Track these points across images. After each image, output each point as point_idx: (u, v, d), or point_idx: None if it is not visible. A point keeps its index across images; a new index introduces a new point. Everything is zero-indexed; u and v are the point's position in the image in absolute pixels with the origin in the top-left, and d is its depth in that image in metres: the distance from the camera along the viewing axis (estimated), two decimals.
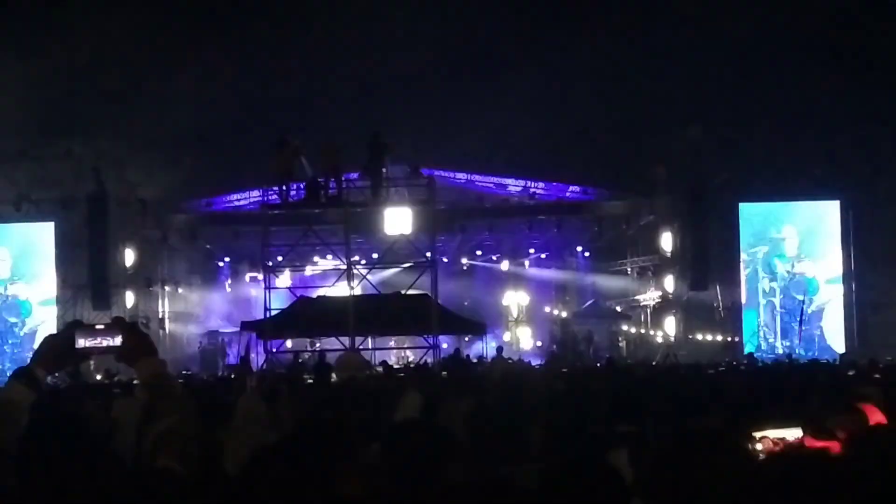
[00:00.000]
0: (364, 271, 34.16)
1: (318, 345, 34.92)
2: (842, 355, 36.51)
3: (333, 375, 23.54)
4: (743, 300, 40.58)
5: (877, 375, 18.97)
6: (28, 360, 4.19)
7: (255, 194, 38.50)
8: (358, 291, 32.74)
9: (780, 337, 40.06)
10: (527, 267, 49.87)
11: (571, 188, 44.28)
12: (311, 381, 22.84)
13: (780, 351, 38.69)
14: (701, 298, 40.58)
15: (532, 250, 49.03)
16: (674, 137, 39.49)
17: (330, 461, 4.18)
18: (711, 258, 39.99)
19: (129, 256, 40.92)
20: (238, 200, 43.95)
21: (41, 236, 40.51)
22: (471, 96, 39.39)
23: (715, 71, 38.55)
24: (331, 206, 32.39)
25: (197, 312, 46.33)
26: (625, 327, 46.64)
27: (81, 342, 4.08)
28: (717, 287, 40.65)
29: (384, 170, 32.37)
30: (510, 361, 32.79)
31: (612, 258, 47.45)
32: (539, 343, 48.76)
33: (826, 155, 39.46)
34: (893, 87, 37.18)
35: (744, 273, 40.64)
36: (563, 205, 44.34)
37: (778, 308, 40.31)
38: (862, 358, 30.45)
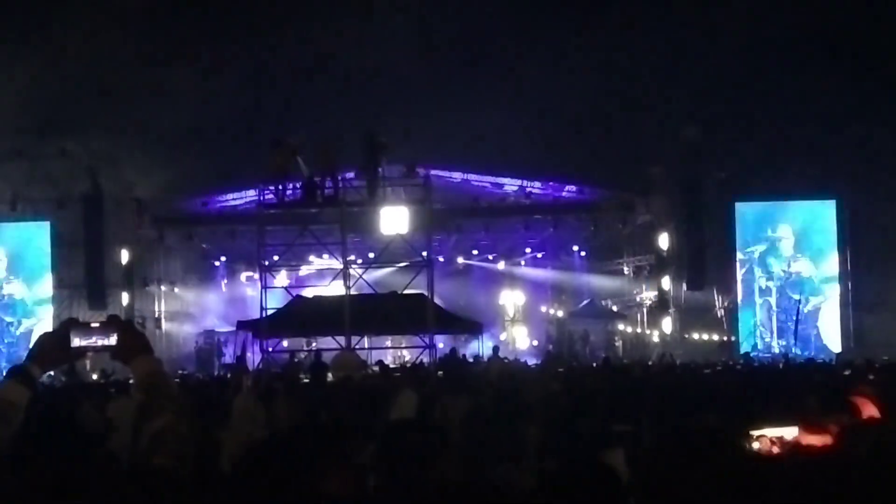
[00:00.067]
0: (360, 271, 34.14)
1: (314, 344, 34.87)
2: (838, 355, 36.53)
3: (329, 375, 23.56)
4: (739, 300, 40.59)
5: (871, 377, 18.96)
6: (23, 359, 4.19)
7: (252, 194, 38.43)
8: (354, 291, 32.71)
9: (777, 336, 40.07)
10: (523, 266, 49.87)
11: (568, 188, 44.28)
12: (307, 380, 22.82)
13: (777, 350, 38.71)
14: (697, 298, 40.61)
15: (528, 250, 49.02)
16: (670, 137, 39.50)
17: (320, 459, 4.17)
18: (708, 257, 40.03)
19: (125, 256, 40.89)
20: (234, 200, 43.93)
21: (37, 235, 40.50)
22: (467, 96, 39.37)
23: (712, 70, 38.55)
24: (327, 205, 32.35)
25: (193, 312, 46.34)
26: (621, 327, 46.66)
27: (76, 340, 4.06)
28: (715, 290, 40.68)
29: (380, 169, 32.32)
30: (506, 361, 32.77)
31: (609, 258, 47.46)
32: (535, 342, 48.79)
33: (822, 154, 39.45)
34: (890, 87, 37.19)
35: (740, 272, 40.66)
36: (559, 204, 44.35)
37: (774, 307, 40.34)
38: (858, 358, 30.48)
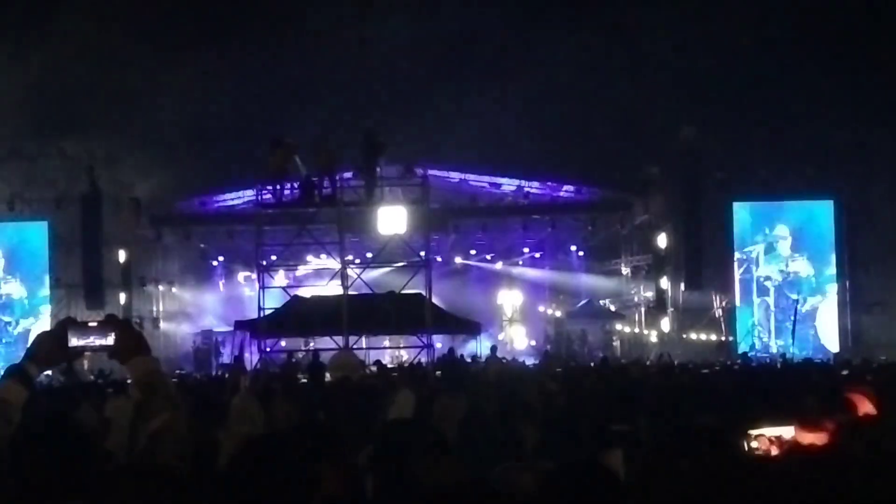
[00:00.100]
0: (358, 271, 34.14)
1: (312, 344, 34.87)
2: (835, 355, 36.55)
3: (328, 375, 23.58)
4: (737, 300, 40.59)
5: (869, 377, 18.97)
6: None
7: (249, 193, 38.43)
8: (352, 291, 32.70)
9: (774, 336, 40.07)
10: (521, 266, 49.88)
11: (566, 188, 44.29)
12: (305, 380, 22.84)
13: (775, 350, 38.70)
14: (695, 298, 40.62)
15: (526, 250, 49.03)
16: (668, 137, 39.50)
17: (316, 459, 4.17)
18: (705, 257, 40.01)
19: (123, 256, 40.85)
20: (232, 200, 43.93)
21: (34, 235, 40.45)
22: (465, 96, 39.37)
23: (710, 70, 38.54)
24: (325, 205, 32.36)
25: (191, 312, 46.34)
26: (619, 327, 46.66)
27: (74, 340, 4.06)
28: (713, 290, 40.68)
29: (378, 169, 32.34)
30: (504, 361, 32.78)
31: (606, 258, 47.50)
32: (533, 342, 48.80)
33: (820, 154, 39.47)
34: (888, 88, 37.19)
35: (738, 272, 40.64)
36: (557, 204, 44.39)
37: (772, 307, 40.33)
38: (855, 357, 30.52)
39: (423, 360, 31.22)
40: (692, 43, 37.44)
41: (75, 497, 3.59)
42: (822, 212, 40.59)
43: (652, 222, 42.25)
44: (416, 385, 16.47)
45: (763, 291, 40.47)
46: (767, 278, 40.47)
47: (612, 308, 47.11)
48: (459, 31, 40.58)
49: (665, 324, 41.95)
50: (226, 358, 38.95)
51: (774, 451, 6.71)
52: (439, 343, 35.79)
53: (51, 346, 4.10)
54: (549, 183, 44.20)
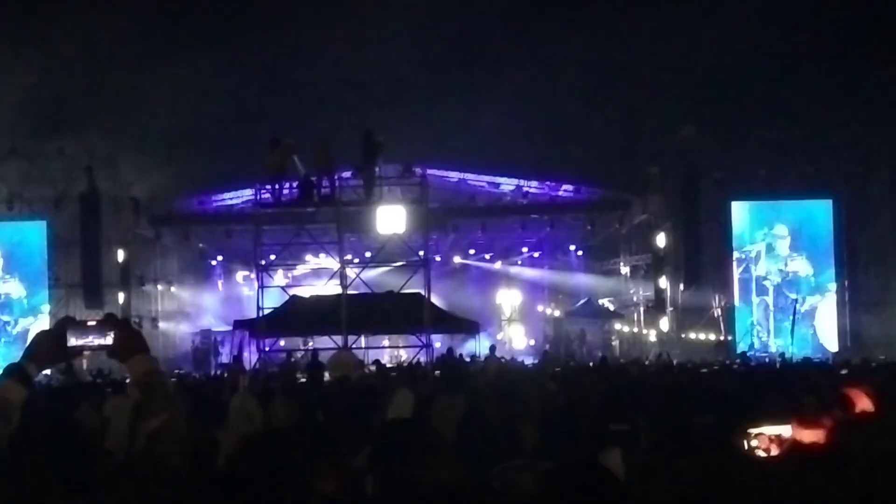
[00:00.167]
0: (357, 270, 34.12)
1: (310, 344, 34.86)
2: (834, 354, 36.59)
3: (326, 374, 23.58)
4: (736, 299, 40.60)
5: (867, 376, 18.96)
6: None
7: (248, 193, 38.44)
8: (351, 290, 32.69)
9: (773, 336, 40.08)
10: (520, 266, 49.89)
11: (564, 187, 44.27)
12: (304, 380, 22.83)
13: (774, 350, 38.71)
14: (694, 297, 40.61)
15: (525, 249, 49.05)
16: (667, 136, 39.52)
17: (313, 458, 4.17)
18: (704, 257, 40.03)
19: (122, 255, 40.83)
20: (231, 199, 43.91)
21: (33, 235, 40.45)
22: (464, 95, 39.33)
23: (708, 70, 38.55)
24: (324, 204, 32.35)
25: (189, 311, 46.35)
26: (618, 326, 46.68)
27: (73, 339, 4.05)
28: (712, 290, 40.67)
29: (377, 168, 32.33)
30: (503, 361, 32.81)
31: (605, 257, 47.53)
32: (532, 342, 48.83)
33: (818, 154, 39.51)
34: (886, 87, 37.19)
35: (737, 272, 40.66)
36: (556, 204, 44.38)
37: (771, 307, 40.35)
38: (854, 357, 30.54)
39: (422, 359, 31.22)
40: (691, 43, 37.43)
41: (75, 496, 3.59)
42: (821, 211, 40.59)
43: (651, 222, 42.26)
44: (414, 385, 16.48)
45: (762, 291, 40.48)
46: (766, 278, 40.49)
47: (611, 307, 47.12)
48: (458, 31, 40.61)
49: (664, 323, 41.95)
50: (225, 357, 38.97)
51: (774, 450, 6.72)
52: (438, 343, 35.77)
53: (50, 346, 4.09)
54: (548, 182, 44.19)
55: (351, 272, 33.12)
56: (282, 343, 34.29)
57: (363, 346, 33.44)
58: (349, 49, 39.87)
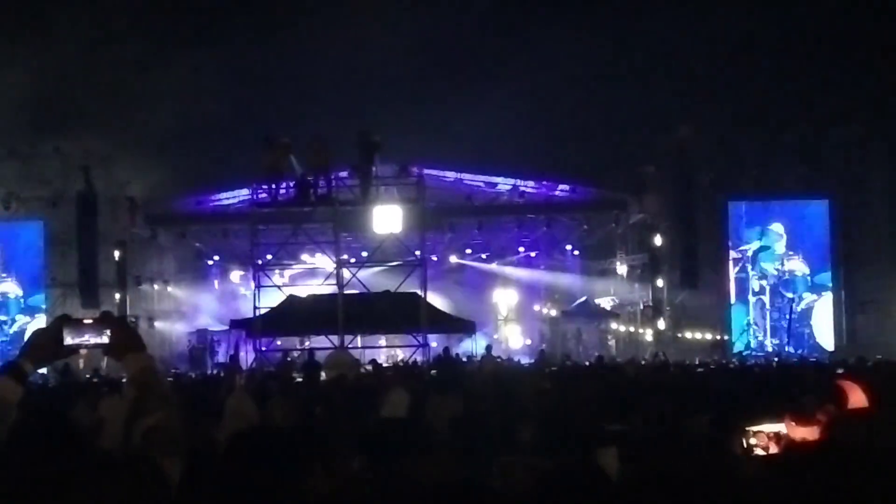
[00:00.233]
0: (353, 270, 34.10)
1: (307, 343, 34.85)
2: (831, 353, 36.59)
3: (323, 374, 23.55)
4: (732, 298, 40.62)
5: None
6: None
7: (245, 193, 38.42)
8: (347, 290, 32.67)
9: (770, 335, 40.11)
10: (516, 265, 49.88)
11: (561, 187, 44.24)
12: (300, 379, 22.81)
13: (770, 349, 38.76)
14: (690, 297, 40.62)
15: (521, 249, 49.03)
16: (663, 136, 39.53)
17: (306, 458, 4.18)
18: (700, 256, 40.02)
19: (118, 255, 40.82)
20: (227, 199, 43.86)
21: (30, 234, 40.47)
22: (460, 95, 39.38)
23: (704, 70, 38.63)
24: (320, 204, 32.33)
25: (186, 311, 46.32)
26: (614, 326, 46.68)
27: (69, 338, 4.05)
28: (708, 289, 40.67)
29: (373, 168, 32.31)
30: (499, 360, 32.82)
31: (602, 256, 47.52)
32: (528, 342, 48.81)
33: (814, 153, 39.54)
34: (882, 87, 37.23)
35: (733, 271, 40.68)
36: (552, 203, 44.33)
37: (767, 306, 40.37)
38: (851, 356, 30.53)
39: (419, 359, 31.23)
40: (687, 43, 37.47)
41: (71, 494, 3.59)
42: (817, 211, 40.63)
43: (647, 221, 42.26)
44: (409, 384, 16.47)
45: (758, 290, 40.51)
46: (762, 277, 40.51)
47: (608, 307, 47.10)
48: (455, 30, 40.65)
49: (660, 323, 41.95)
50: (221, 357, 38.98)
51: (773, 448, 6.72)
52: (434, 342, 35.75)
53: (46, 344, 4.09)
54: (545, 182, 44.15)
55: (347, 272, 33.10)
56: (278, 343, 34.26)
57: (360, 345, 33.45)
58: (345, 49, 39.88)
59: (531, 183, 44.25)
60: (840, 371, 22.01)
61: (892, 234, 39.50)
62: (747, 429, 7.09)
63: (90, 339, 4.06)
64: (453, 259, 48.93)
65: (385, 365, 29.52)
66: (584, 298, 46.91)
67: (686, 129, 38.78)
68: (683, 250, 39.85)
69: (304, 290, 36.41)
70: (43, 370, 23.10)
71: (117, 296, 40.30)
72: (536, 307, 50.41)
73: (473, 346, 37.55)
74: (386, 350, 38.02)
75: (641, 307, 44.08)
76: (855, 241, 40.49)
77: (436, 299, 37.89)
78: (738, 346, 39.06)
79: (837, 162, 39.96)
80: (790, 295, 39.94)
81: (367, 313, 31.17)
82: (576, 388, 16.33)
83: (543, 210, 44.16)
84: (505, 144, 40.67)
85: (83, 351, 4.20)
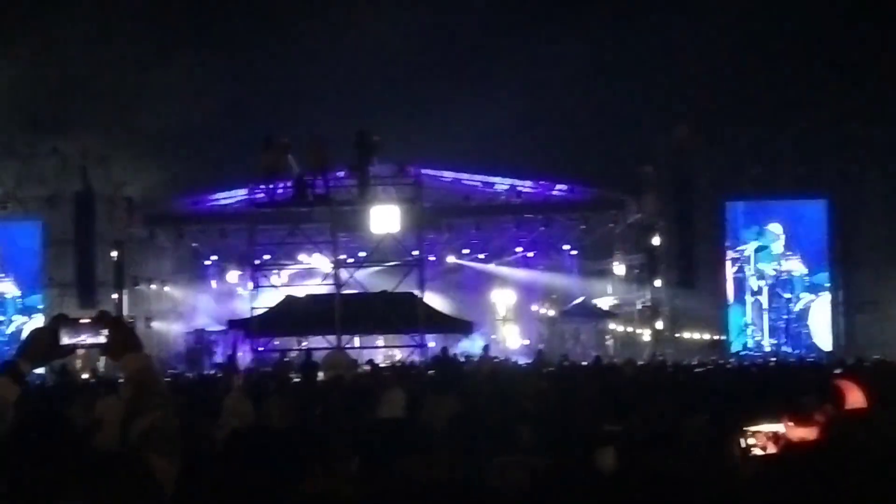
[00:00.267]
0: (351, 270, 34.08)
1: (304, 343, 34.84)
2: (828, 354, 36.60)
3: (320, 374, 23.55)
4: (730, 298, 40.61)
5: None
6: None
7: (242, 192, 38.37)
8: (345, 290, 32.67)
9: (768, 335, 40.11)
10: (514, 265, 49.86)
11: (558, 187, 44.21)
12: (297, 379, 22.80)
13: (768, 349, 38.77)
14: (688, 297, 40.61)
15: (519, 249, 48.99)
16: (661, 136, 39.54)
17: (300, 457, 4.18)
18: (698, 256, 40.03)
19: (116, 255, 40.79)
20: (225, 199, 43.82)
21: (27, 234, 40.41)
22: (458, 95, 39.41)
23: (701, 69, 38.63)
24: (318, 204, 32.32)
25: (183, 311, 46.27)
26: (612, 326, 46.67)
27: (66, 337, 4.04)
28: (706, 289, 40.67)
29: (371, 168, 32.31)
30: (497, 360, 32.81)
31: (599, 256, 47.49)
32: (526, 342, 48.78)
33: (812, 153, 39.53)
34: (880, 86, 37.24)
35: (731, 271, 40.68)
36: (550, 203, 44.29)
37: (765, 306, 40.36)
38: (849, 356, 30.55)
39: (417, 359, 31.22)
40: (685, 43, 37.49)
41: (68, 494, 3.58)
42: (815, 211, 40.61)
43: (645, 221, 42.25)
44: (407, 384, 16.48)
45: (756, 290, 40.51)
46: (760, 277, 40.51)
47: (606, 307, 47.08)
48: (453, 31, 40.66)
49: (658, 323, 41.95)
50: (219, 357, 38.93)
51: (771, 448, 6.71)
52: (432, 342, 35.75)
53: (43, 343, 4.08)
54: (542, 182, 44.11)
55: (345, 272, 33.09)
56: (276, 343, 34.24)
57: (357, 345, 33.44)
58: (343, 49, 39.90)
59: (529, 183, 44.21)
60: (838, 371, 22.04)
61: (890, 235, 39.49)
62: (745, 429, 7.07)
63: (87, 338, 4.06)
64: (451, 259, 48.89)
65: (383, 365, 29.54)
66: (581, 298, 46.88)
67: (684, 130, 38.80)
68: (681, 250, 39.85)
69: (301, 290, 36.39)
70: (40, 370, 23.08)
71: (115, 296, 40.28)
72: (534, 307, 50.39)
73: (471, 346, 37.53)
74: (383, 350, 38.01)
75: (639, 307, 44.07)
76: (853, 241, 40.47)
77: (433, 299, 37.90)
78: (736, 347, 39.06)
79: (835, 162, 39.95)
80: (788, 295, 39.95)
81: (364, 313, 31.17)
82: (574, 389, 16.33)
83: (541, 210, 44.13)
84: (503, 144, 40.71)
85: (80, 351, 4.19)
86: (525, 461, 5.94)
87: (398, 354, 36.63)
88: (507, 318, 50.71)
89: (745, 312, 40.50)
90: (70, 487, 3.56)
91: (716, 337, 40.39)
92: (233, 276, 47.67)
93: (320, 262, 37.18)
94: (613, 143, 40.14)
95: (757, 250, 40.60)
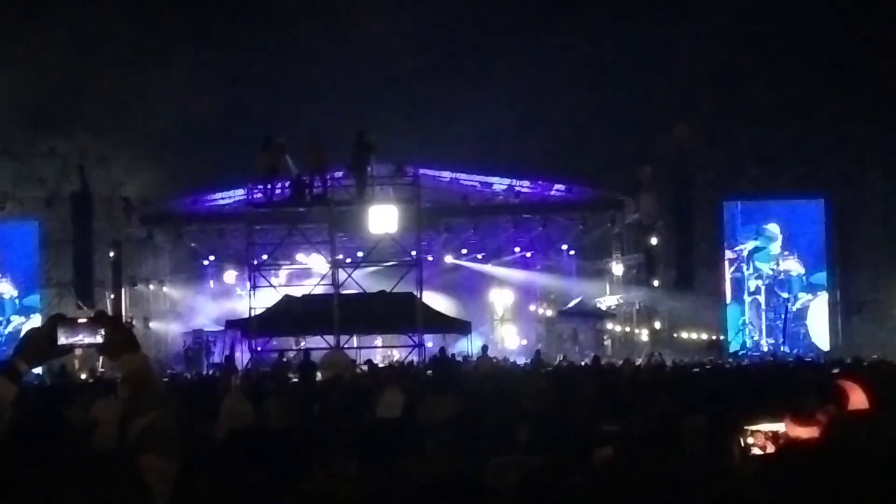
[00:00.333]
0: (349, 270, 34.07)
1: (303, 343, 34.83)
2: (826, 353, 36.62)
3: (319, 374, 23.56)
4: (728, 298, 40.63)
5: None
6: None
7: (240, 193, 38.35)
8: (343, 290, 32.65)
9: (766, 335, 40.14)
10: (512, 265, 49.87)
11: (556, 187, 44.23)
12: (296, 380, 22.81)
13: (766, 349, 38.79)
14: (686, 296, 40.62)
15: (517, 249, 49.02)
16: (659, 136, 39.55)
17: (299, 457, 4.17)
18: (696, 256, 40.05)
19: (114, 255, 40.80)
20: (223, 199, 43.83)
21: (25, 234, 40.41)
22: (456, 95, 39.38)
23: (700, 69, 38.60)
24: (316, 204, 32.29)
25: (181, 311, 46.28)
26: (610, 326, 46.67)
27: (63, 337, 4.03)
28: (704, 289, 40.68)
29: (369, 168, 32.28)
30: (495, 360, 32.82)
31: (598, 256, 47.51)
32: (524, 342, 48.79)
33: (810, 154, 39.55)
34: (877, 87, 37.24)
35: (729, 271, 40.70)
36: (548, 203, 44.33)
37: (763, 306, 40.39)
38: (846, 356, 30.55)
39: (415, 359, 31.23)
40: (683, 43, 37.47)
41: (64, 496, 3.57)
42: (813, 211, 40.65)
43: (643, 221, 42.27)
44: (405, 384, 16.47)
45: (754, 290, 40.53)
46: (758, 277, 40.53)
47: (604, 307, 47.10)
48: (451, 30, 40.64)
49: (656, 323, 41.98)
50: (217, 357, 38.92)
51: (770, 448, 6.70)
52: (430, 342, 35.76)
53: (40, 343, 4.07)
54: (541, 182, 44.15)
55: (343, 272, 33.09)
56: (274, 343, 34.23)
57: (355, 345, 33.43)
58: (342, 49, 39.88)
59: (527, 183, 44.24)
60: (836, 371, 22.05)
61: (888, 235, 39.50)
62: (745, 428, 7.07)
63: (84, 338, 4.04)
64: (449, 259, 48.89)
65: (381, 365, 29.55)
66: (580, 298, 46.90)
67: (682, 130, 38.81)
68: (679, 250, 39.86)
69: (299, 291, 36.39)
70: (38, 370, 23.06)
71: (112, 296, 40.29)
72: (532, 307, 50.41)
73: (469, 346, 37.54)
74: (382, 350, 38.00)
75: (637, 307, 44.10)
76: (850, 241, 40.50)
77: (432, 299, 37.90)
78: (734, 346, 39.08)
79: (833, 162, 39.97)
80: (786, 295, 39.98)
81: (362, 313, 31.17)
82: (572, 389, 16.33)
83: (539, 210, 44.18)
84: (501, 144, 40.70)
85: (78, 351, 4.19)
86: (524, 461, 5.94)
87: (396, 354, 36.62)
88: (505, 318, 50.73)
89: (743, 312, 40.54)
90: (68, 488, 3.55)
91: (714, 337, 40.40)
92: (231, 276, 47.66)
93: (318, 262, 37.15)
94: (612, 144, 40.14)
95: (755, 250, 40.65)
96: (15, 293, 40.37)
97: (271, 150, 30.90)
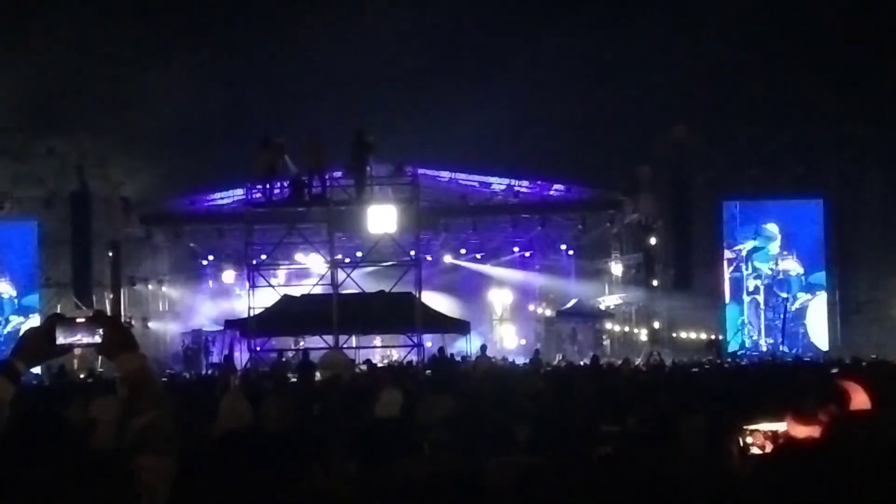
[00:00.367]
0: (348, 270, 34.08)
1: (302, 343, 34.84)
2: (825, 353, 36.63)
3: (318, 374, 23.57)
4: (727, 298, 40.63)
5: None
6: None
7: (239, 192, 38.38)
8: (342, 290, 32.65)
9: (764, 335, 40.14)
10: (511, 265, 49.88)
11: (555, 186, 44.25)
12: (294, 379, 22.82)
13: (765, 349, 38.80)
14: (685, 296, 40.62)
15: (516, 248, 49.05)
16: (658, 136, 39.54)
17: (298, 457, 4.17)
18: (695, 256, 40.04)
19: (112, 255, 40.78)
20: (222, 199, 43.83)
21: (24, 234, 40.38)
22: (455, 95, 39.31)
23: (699, 69, 38.56)
24: (314, 204, 32.33)
25: (180, 311, 46.28)
26: (609, 325, 46.68)
27: (62, 337, 4.03)
28: (703, 289, 40.68)
29: (368, 168, 32.29)
30: (494, 360, 32.84)
31: (596, 256, 47.52)
32: (523, 341, 48.81)
33: (809, 154, 39.56)
34: (877, 86, 37.24)
35: (727, 271, 40.71)
36: (546, 203, 44.35)
37: (762, 306, 40.39)
38: (845, 356, 30.58)
39: (414, 359, 31.24)
40: (682, 42, 37.45)
41: (63, 496, 3.57)
42: (812, 211, 40.65)
43: (642, 221, 42.27)
44: (404, 383, 16.48)
45: (752, 290, 40.53)
46: (757, 277, 40.54)
47: (602, 307, 47.11)
48: (450, 30, 40.59)
49: (655, 322, 41.98)
50: (216, 357, 38.93)
51: (769, 447, 6.69)
52: (429, 342, 35.78)
53: (38, 342, 4.07)
54: (539, 182, 44.16)
55: (342, 272, 33.09)
56: (273, 343, 34.24)
57: (354, 345, 33.44)
58: (340, 49, 39.82)
59: (526, 183, 44.26)
60: (835, 371, 22.05)
61: (887, 234, 39.50)
62: (744, 428, 7.06)
63: (83, 338, 4.04)
64: (448, 259, 48.92)
65: (380, 365, 29.57)
66: (578, 298, 46.91)
67: (681, 129, 38.80)
68: (678, 250, 39.86)
69: (298, 290, 36.39)
70: (37, 370, 23.06)
71: (111, 296, 40.27)
72: (531, 307, 50.43)
73: (468, 346, 37.56)
74: (381, 350, 38.03)
75: (636, 307, 44.10)
76: (849, 240, 40.50)
77: (430, 299, 37.91)
78: (733, 346, 39.08)
79: (832, 162, 39.98)
80: (784, 294, 39.98)
81: (361, 313, 31.19)
82: (571, 388, 16.34)
83: (538, 210, 44.20)
84: (500, 144, 40.63)
85: (77, 351, 4.18)
86: (523, 461, 5.93)
87: (395, 354, 36.66)
88: (503, 317, 50.76)
89: (742, 312, 40.54)
90: (67, 487, 3.55)
91: (713, 336, 40.39)
92: (229, 275, 47.68)
93: (317, 262, 37.15)
94: (611, 143, 40.08)
95: (753, 250, 40.65)
96: (14, 293, 40.34)
97: (270, 150, 30.93)
